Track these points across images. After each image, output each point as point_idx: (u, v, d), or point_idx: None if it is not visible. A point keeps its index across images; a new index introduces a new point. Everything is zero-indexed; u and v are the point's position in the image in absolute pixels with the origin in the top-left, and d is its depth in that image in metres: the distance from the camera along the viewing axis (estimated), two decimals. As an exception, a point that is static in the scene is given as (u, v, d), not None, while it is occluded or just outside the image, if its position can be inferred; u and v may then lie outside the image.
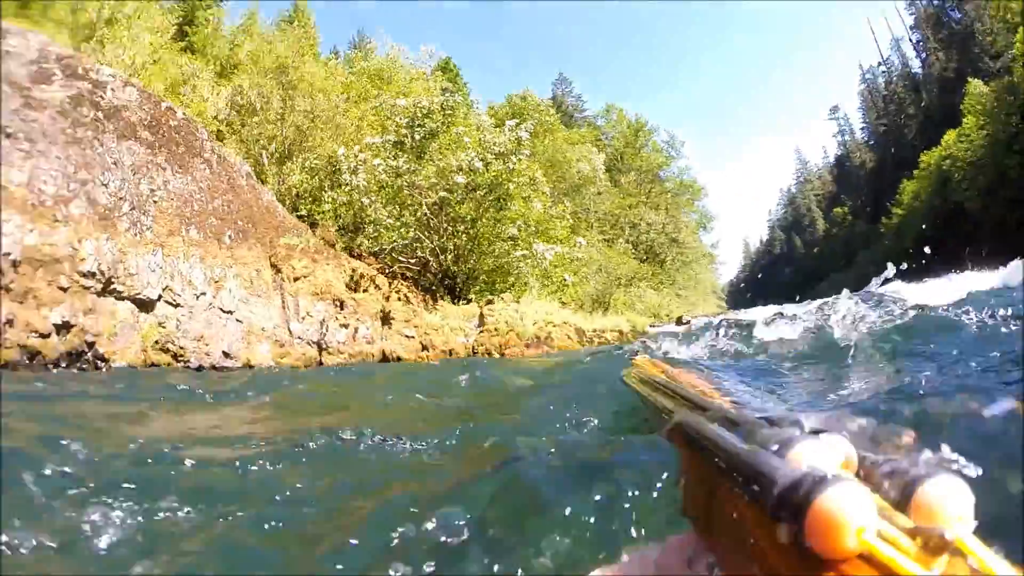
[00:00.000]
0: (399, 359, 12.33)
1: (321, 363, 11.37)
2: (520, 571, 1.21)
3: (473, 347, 13.73)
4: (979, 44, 58.25)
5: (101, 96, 11.03)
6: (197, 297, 10.49)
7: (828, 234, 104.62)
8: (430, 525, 1.38)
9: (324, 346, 11.79)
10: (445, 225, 18.16)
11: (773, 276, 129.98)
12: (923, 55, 74.22)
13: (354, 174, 17.01)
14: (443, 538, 1.34)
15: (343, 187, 17.23)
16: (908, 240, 59.52)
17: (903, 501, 0.34)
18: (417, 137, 18.83)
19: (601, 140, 48.72)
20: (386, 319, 12.88)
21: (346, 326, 12.29)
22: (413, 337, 13.03)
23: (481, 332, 14.42)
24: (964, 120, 46.65)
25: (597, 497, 1.32)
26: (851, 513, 0.32)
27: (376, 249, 17.09)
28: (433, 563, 1.29)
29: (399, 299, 14.24)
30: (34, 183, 9.26)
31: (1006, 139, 40.67)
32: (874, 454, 0.37)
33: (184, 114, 13.01)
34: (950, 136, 50.51)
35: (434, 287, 17.77)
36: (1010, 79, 41.08)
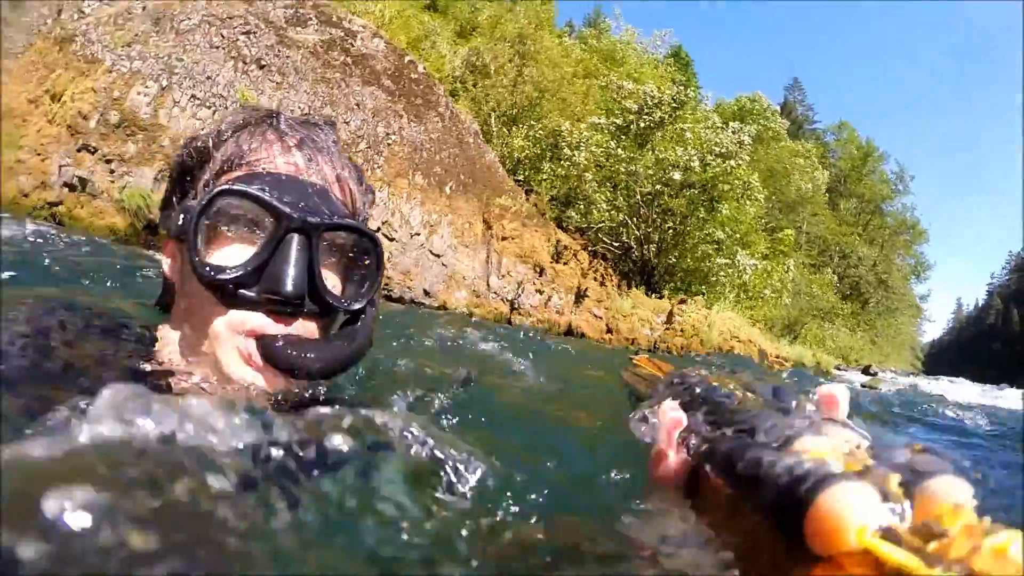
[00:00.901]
0: (583, 335, 12.56)
1: (510, 321, 11.81)
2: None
3: (655, 342, 13.69)
4: None
5: (351, 44, 12.09)
6: (412, 236, 11.29)
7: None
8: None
9: (516, 306, 12.26)
10: (654, 216, 18.16)
11: (980, 348, 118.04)
12: None
13: (575, 150, 17.33)
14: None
15: (562, 161, 17.57)
16: None
17: (906, 497, 0.34)
18: (642, 125, 18.83)
19: (827, 158, 46.21)
20: (579, 295, 13.20)
21: (541, 292, 12.73)
22: (601, 317, 13.24)
23: (667, 329, 14.33)
24: None
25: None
26: (852, 512, 0.31)
27: (584, 226, 17.40)
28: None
29: (595, 279, 14.50)
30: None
31: None
32: (878, 448, 0.37)
33: (424, 69, 13.84)
34: None
35: (631, 274, 17.87)
36: None
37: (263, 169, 0.96)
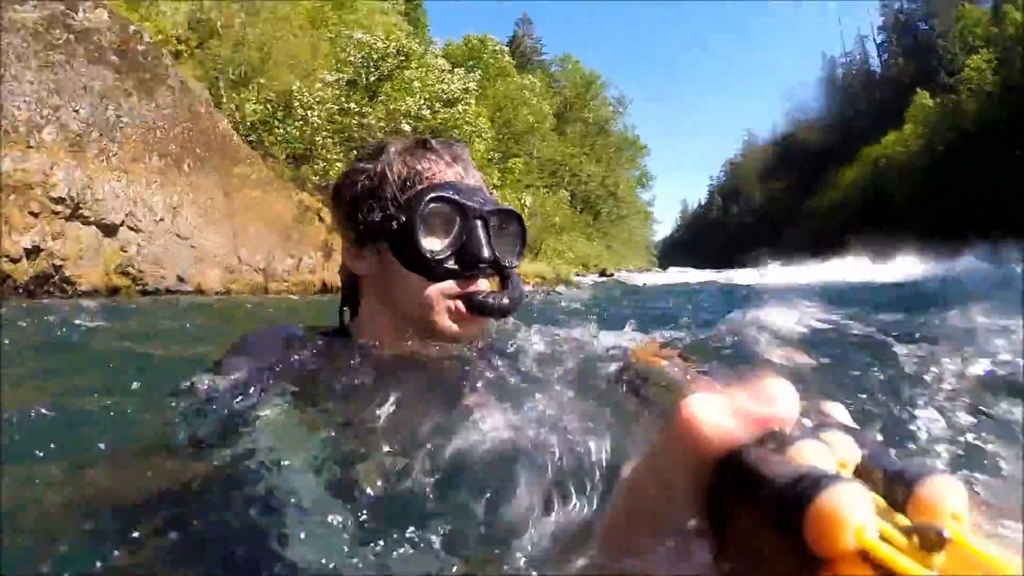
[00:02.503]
0: (337, 289, 13.45)
1: (267, 290, 12.64)
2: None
3: None
4: (939, 58, 62.01)
5: (73, 18, 11.51)
6: (157, 223, 11.41)
7: (762, 207, 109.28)
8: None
9: (270, 274, 13.03)
10: None
11: (705, 241, 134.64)
12: (884, 56, 78.38)
13: (308, 110, 17.93)
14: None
15: (295, 121, 18.05)
16: (837, 223, 64.14)
17: (901, 500, 0.33)
18: (371, 79, 19.74)
19: (553, 87, 49.86)
20: (328, 251, 14.12)
21: (292, 256, 13.58)
22: None
23: None
24: (906, 126, 50.73)
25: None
26: (851, 511, 0.31)
27: (324, 184, 17.62)
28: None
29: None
30: (7, 108, 9.75)
31: (942, 152, 44.57)
32: (872, 452, 0.37)
33: (151, 38, 13.59)
34: (891, 137, 54.80)
35: None
36: (957, 98, 44.58)
37: (440, 180, 1.31)
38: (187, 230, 11.92)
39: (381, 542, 0.84)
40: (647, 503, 0.40)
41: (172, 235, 11.66)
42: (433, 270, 1.27)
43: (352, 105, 18.52)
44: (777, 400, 0.38)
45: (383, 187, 1.31)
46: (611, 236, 55.24)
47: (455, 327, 1.30)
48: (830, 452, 0.37)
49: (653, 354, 0.79)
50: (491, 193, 1.42)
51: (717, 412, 0.38)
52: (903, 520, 0.34)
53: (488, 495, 0.89)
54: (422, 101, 19.69)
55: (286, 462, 0.98)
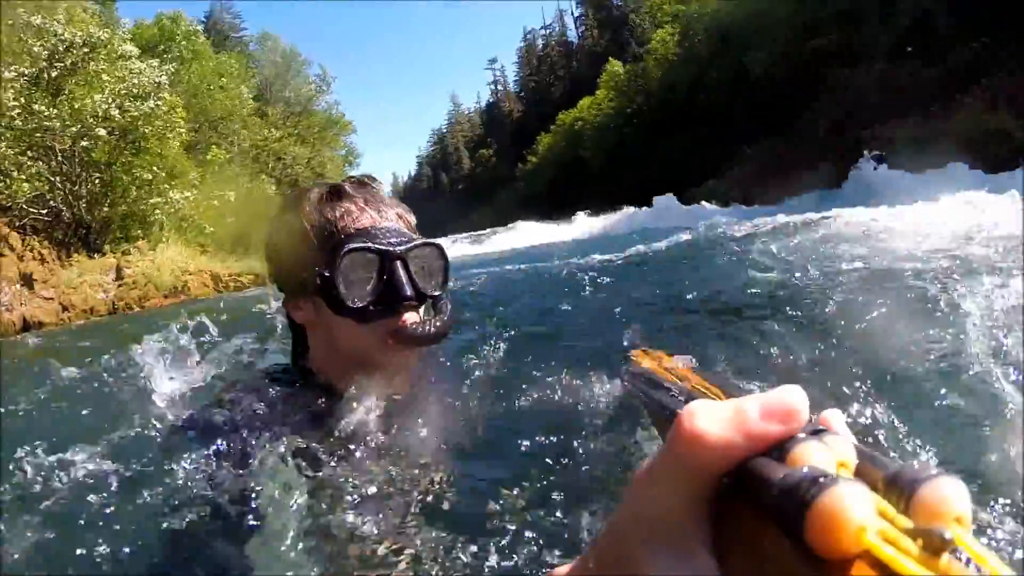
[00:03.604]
0: (41, 324, 12.57)
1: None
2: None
3: (113, 302, 14.74)
4: (630, 30, 69.82)
5: None
6: None
7: (473, 173, 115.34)
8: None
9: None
10: (78, 171, 18.12)
11: (421, 210, 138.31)
12: (581, 28, 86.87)
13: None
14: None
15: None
16: (541, 184, 70.24)
17: (904, 502, 0.35)
18: (54, 74, 18.30)
19: (253, 67, 48.61)
20: (28, 281, 13.21)
21: (-15, 294, 12.35)
22: (52, 299, 13.42)
23: (120, 286, 15.44)
24: (598, 91, 57.19)
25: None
26: (853, 513, 0.34)
27: (7, 204, 16.35)
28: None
29: (35, 258, 14.54)
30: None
31: (631, 113, 51.02)
32: (871, 454, 0.39)
33: None
34: (585, 102, 61.23)
35: (68, 240, 17.61)
36: (643, 64, 51.21)
37: (356, 227, 1.43)
38: None
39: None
40: (649, 512, 0.40)
41: None
42: (362, 314, 1.40)
43: (34, 106, 16.98)
44: (785, 408, 0.38)
45: (304, 243, 1.44)
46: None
47: (392, 360, 1.46)
48: (831, 453, 0.36)
49: (657, 357, 0.84)
50: (410, 225, 1.55)
51: (719, 422, 0.38)
52: (905, 522, 0.33)
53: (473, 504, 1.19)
54: (111, 99, 18.42)
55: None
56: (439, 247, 1.53)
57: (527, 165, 79.87)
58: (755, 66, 33.75)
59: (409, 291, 1.41)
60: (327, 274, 1.38)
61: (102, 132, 17.73)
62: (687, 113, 42.72)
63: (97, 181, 18.68)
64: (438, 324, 1.45)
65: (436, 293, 1.50)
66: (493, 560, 1.08)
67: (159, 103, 20.33)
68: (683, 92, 43.10)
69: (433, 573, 1.12)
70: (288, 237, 1.48)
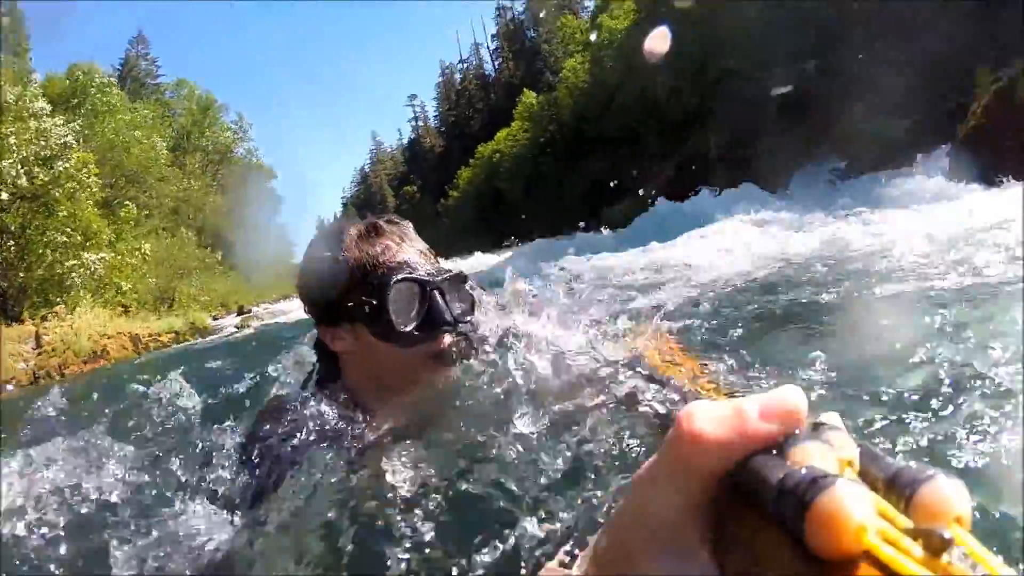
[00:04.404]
0: None
1: None
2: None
3: (34, 372, 14.69)
4: (544, 60, 71.49)
5: None
6: None
7: (399, 210, 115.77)
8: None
9: None
10: None
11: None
12: (498, 61, 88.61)
13: None
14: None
15: None
16: (466, 219, 70.75)
17: (904, 502, 0.36)
18: None
19: (169, 116, 48.13)
20: None
21: None
22: None
23: (40, 354, 15.40)
24: (514, 122, 58.12)
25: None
26: (852, 513, 0.33)
27: None
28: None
29: None
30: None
31: (544, 142, 51.97)
32: (872, 454, 0.40)
33: None
34: (502, 133, 62.05)
35: None
36: (555, 94, 52.33)
37: (397, 261, 1.58)
38: None
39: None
40: (649, 513, 0.40)
41: None
42: (407, 339, 1.54)
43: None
44: (784, 409, 0.38)
45: (349, 274, 1.56)
46: (249, 266, 54.57)
47: (430, 378, 1.61)
48: (832, 453, 0.39)
49: (664, 359, 0.70)
50: (435, 259, 1.70)
51: (718, 422, 0.38)
52: (905, 522, 0.35)
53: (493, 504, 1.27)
54: (20, 164, 18.46)
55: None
56: (466, 277, 1.70)
57: (448, 200, 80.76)
58: (660, 91, 34.62)
59: (449, 316, 1.57)
60: (375, 301, 1.52)
61: (4, 196, 17.70)
62: (596, 140, 43.72)
63: (12, 247, 18.63)
64: (469, 345, 1.65)
65: (468, 319, 1.66)
66: (493, 560, 1.17)
67: (67, 165, 20.26)
68: (594, 118, 44.11)
69: (441, 572, 1.20)
70: (329, 271, 1.60)
